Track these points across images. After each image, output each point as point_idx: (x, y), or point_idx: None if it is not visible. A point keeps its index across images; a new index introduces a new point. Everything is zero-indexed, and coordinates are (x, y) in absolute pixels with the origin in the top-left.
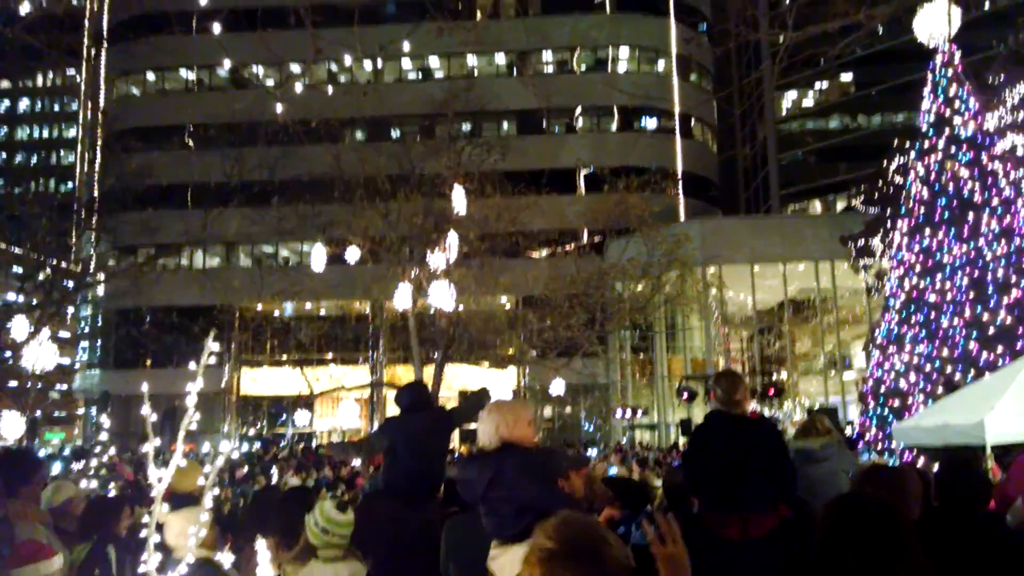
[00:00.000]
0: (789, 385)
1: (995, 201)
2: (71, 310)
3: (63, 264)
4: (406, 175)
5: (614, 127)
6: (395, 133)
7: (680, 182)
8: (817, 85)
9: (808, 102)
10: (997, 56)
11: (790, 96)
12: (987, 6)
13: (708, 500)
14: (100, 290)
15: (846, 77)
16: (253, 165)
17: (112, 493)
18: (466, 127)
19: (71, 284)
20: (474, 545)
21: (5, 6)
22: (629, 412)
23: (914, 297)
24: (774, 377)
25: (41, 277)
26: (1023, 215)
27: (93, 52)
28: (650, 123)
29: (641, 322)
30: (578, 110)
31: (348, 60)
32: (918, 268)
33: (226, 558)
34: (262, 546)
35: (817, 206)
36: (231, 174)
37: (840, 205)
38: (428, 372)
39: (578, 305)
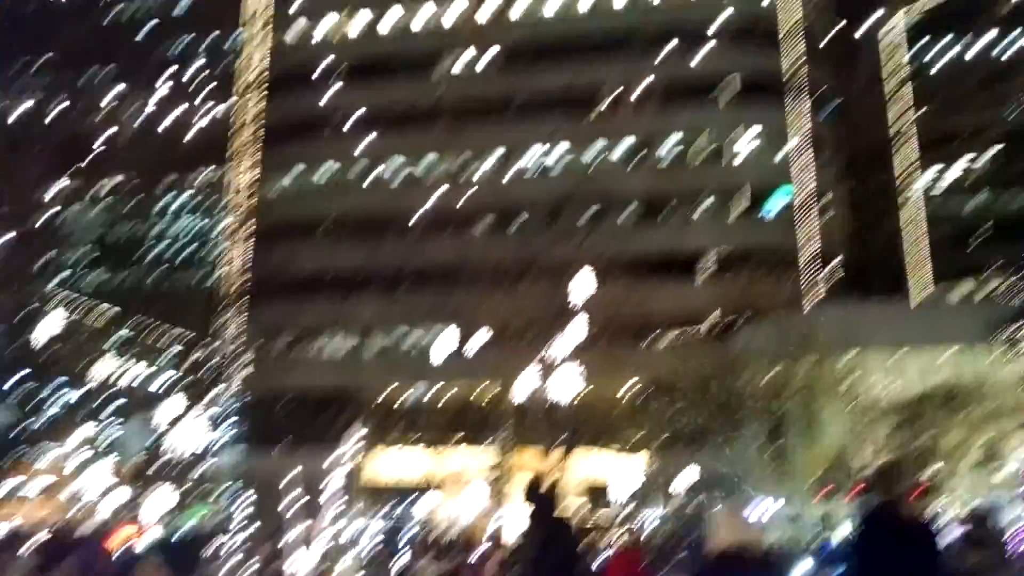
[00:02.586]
0: (936, 484)
1: None
2: (216, 392)
3: (211, 348)
4: (531, 262)
5: (739, 211)
6: (521, 222)
7: (812, 265)
8: (956, 163)
9: (949, 177)
10: None
11: (928, 173)
12: None
13: None
14: (244, 373)
15: (989, 153)
16: (388, 255)
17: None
18: (590, 214)
19: (219, 367)
20: None
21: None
22: (766, 503)
23: None
24: (920, 476)
25: (193, 359)
26: None
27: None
28: (778, 205)
29: (774, 413)
30: (702, 194)
31: (489, 161)
32: None
33: None
34: None
35: (962, 287)
36: (367, 263)
37: (989, 285)
38: (554, 458)
39: (706, 393)
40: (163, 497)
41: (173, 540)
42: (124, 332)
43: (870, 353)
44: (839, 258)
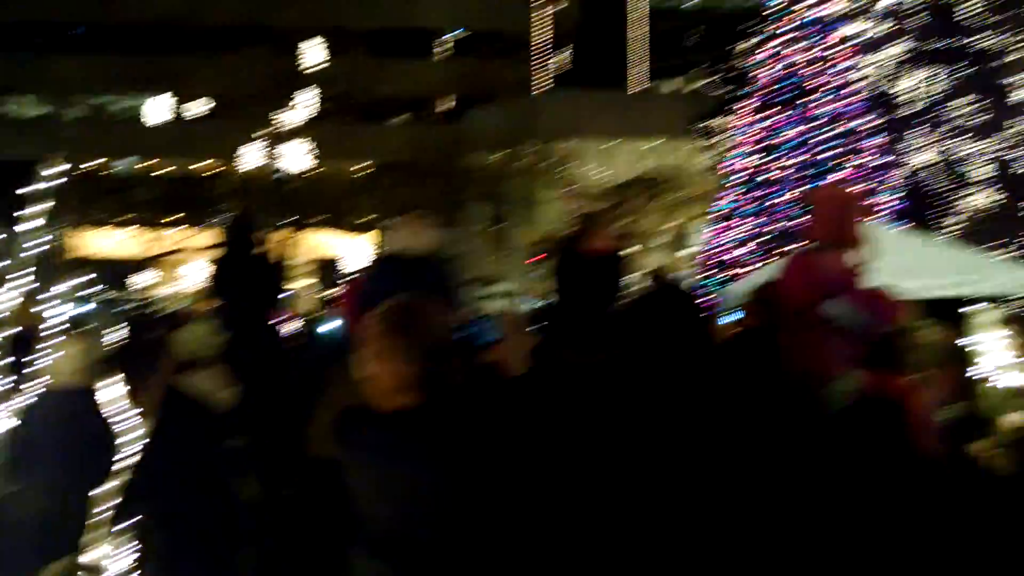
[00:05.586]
0: (635, 260)
1: (829, 85)
2: None
3: None
4: (259, 27)
5: None
6: None
7: (542, 53)
8: None
9: None
10: None
11: None
12: None
13: None
14: None
15: None
16: (95, 7)
17: None
18: None
19: None
20: None
21: None
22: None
23: (751, 175)
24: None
25: None
26: (852, 100)
27: None
28: None
29: (497, 193)
30: None
31: None
32: (756, 147)
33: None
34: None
35: (674, 83)
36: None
37: (697, 82)
38: (280, 235)
39: (435, 172)
40: None
41: None
42: None
43: (588, 141)
44: (568, 48)
